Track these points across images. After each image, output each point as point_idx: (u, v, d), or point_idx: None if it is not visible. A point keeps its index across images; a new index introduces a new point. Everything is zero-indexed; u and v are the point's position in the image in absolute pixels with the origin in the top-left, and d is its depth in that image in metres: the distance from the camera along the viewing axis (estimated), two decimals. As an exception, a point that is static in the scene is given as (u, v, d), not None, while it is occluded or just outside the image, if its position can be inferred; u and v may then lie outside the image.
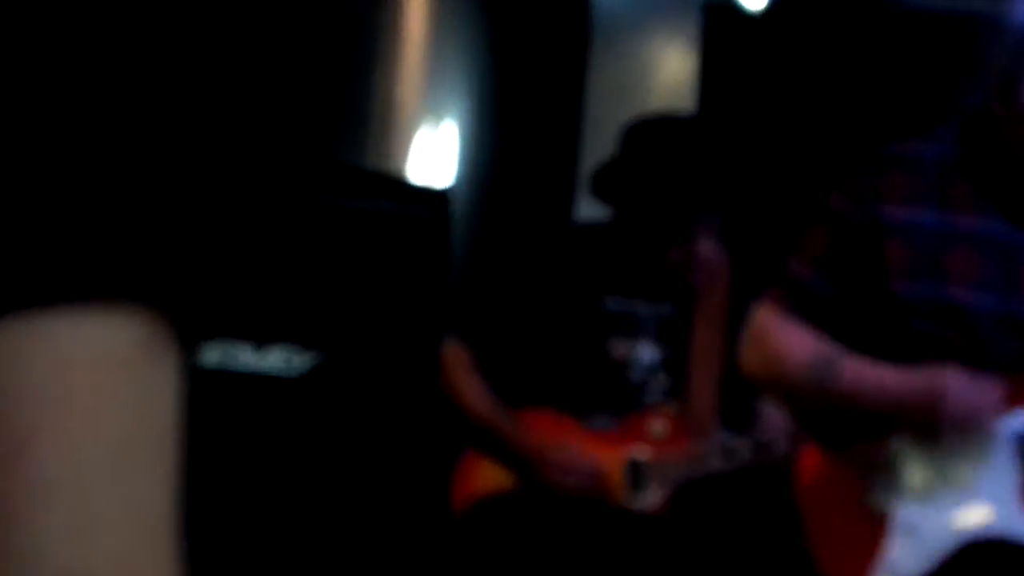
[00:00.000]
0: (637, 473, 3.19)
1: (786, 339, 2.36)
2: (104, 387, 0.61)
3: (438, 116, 4.48)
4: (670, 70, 5.25)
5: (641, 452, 3.21)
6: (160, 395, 0.63)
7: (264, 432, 3.23)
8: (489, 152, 4.89)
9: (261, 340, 3.23)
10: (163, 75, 0.62)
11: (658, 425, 3.24)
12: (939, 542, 2.25)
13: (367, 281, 3.63)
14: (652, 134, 3.38)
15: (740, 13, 5.04)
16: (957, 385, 2.28)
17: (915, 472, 2.27)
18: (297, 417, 3.41)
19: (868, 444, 2.30)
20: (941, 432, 2.27)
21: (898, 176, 2.37)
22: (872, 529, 2.25)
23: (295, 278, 3.11)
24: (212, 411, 2.92)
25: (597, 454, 3.20)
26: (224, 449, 2.90)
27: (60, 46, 0.60)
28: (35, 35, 0.59)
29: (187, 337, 0.65)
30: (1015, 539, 2.28)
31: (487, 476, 3.25)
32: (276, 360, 3.40)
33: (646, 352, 3.30)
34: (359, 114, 4.05)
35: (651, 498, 3.17)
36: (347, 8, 3.97)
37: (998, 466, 2.28)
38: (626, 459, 3.20)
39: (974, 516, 2.27)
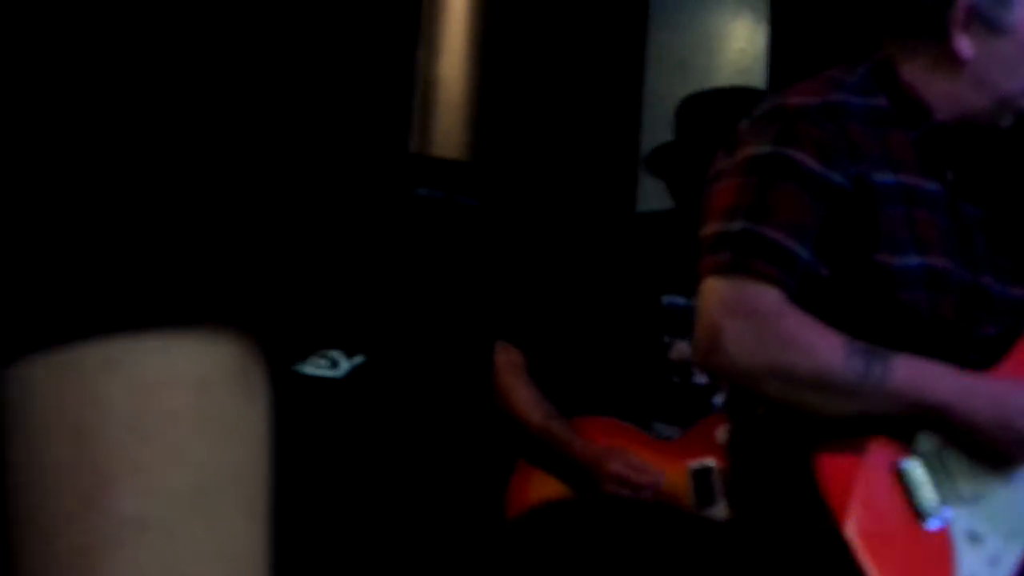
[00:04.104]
0: (703, 483, 3.20)
1: (804, 328, 2.20)
2: (191, 417, 0.61)
3: (485, 95, 4.48)
4: (738, 45, 5.27)
5: (708, 460, 3.22)
6: (250, 422, 0.64)
7: (310, 434, 3.33)
8: (541, 136, 4.91)
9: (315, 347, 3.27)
10: (239, 96, 0.64)
11: (726, 431, 3.23)
12: (1008, 549, 2.24)
13: (413, 275, 3.65)
14: (707, 109, 3.37)
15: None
16: None
17: (957, 475, 2.25)
18: (342, 419, 3.47)
19: (893, 445, 2.23)
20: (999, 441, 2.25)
21: (856, 129, 2.28)
22: (933, 543, 2.21)
23: (349, 278, 3.13)
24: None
25: (661, 464, 3.21)
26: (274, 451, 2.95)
27: (155, 81, 0.62)
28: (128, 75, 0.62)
29: (278, 357, 0.66)
30: None
31: (541, 487, 3.27)
32: (323, 363, 3.45)
33: (712, 352, 3.30)
34: (400, 94, 4.06)
35: (720, 509, 3.17)
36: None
37: None
38: (692, 469, 3.21)
39: None
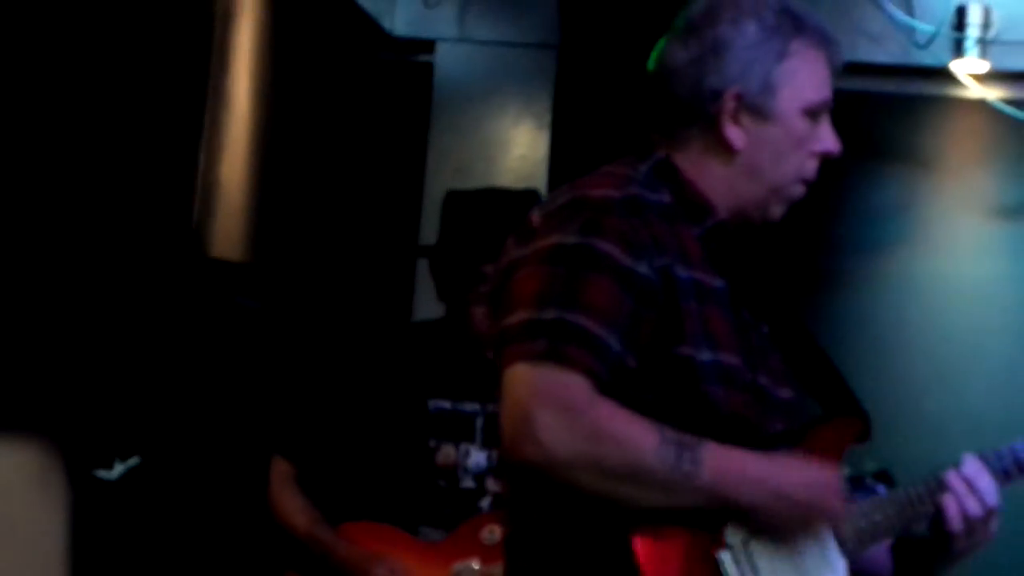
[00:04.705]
0: (466, 585, 3.27)
1: (617, 419, 2.19)
2: None
3: (266, 195, 4.50)
4: (519, 152, 5.34)
5: (471, 561, 3.30)
6: (50, 525, 0.68)
7: (85, 535, 3.34)
8: (321, 239, 4.93)
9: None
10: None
11: (491, 532, 3.31)
12: None
13: (192, 378, 3.67)
14: (470, 208, 3.46)
15: (593, 87, 5.12)
16: (836, 481, 2.32)
17: (761, 567, 2.30)
18: (115, 521, 3.48)
19: (702, 536, 2.26)
20: (799, 526, 2.31)
21: (655, 223, 2.31)
22: None
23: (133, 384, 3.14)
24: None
25: (425, 566, 3.28)
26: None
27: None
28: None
29: (78, 463, 0.70)
30: None
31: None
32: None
33: (476, 456, 3.39)
34: (180, 193, 4.08)
35: (484, 610, 3.24)
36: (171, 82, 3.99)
37: (831, 555, 2.39)
38: (455, 570, 3.29)
39: None
